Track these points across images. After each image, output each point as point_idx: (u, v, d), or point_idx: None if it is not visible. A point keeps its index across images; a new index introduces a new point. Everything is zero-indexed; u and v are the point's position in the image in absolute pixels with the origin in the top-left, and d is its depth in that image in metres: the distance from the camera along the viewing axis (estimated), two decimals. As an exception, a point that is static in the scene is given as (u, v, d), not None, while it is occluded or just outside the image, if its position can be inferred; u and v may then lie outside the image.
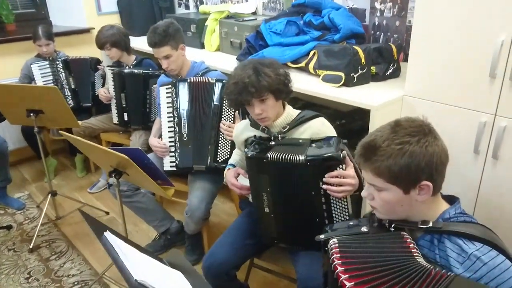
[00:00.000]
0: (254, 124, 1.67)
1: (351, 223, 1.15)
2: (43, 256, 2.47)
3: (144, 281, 0.89)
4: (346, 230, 1.13)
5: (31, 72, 3.11)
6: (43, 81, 3.13)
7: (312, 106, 2.59)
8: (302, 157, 1.43)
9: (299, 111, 1.69)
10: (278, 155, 1.47)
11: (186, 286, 1.14)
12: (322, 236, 1.11)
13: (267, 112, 1.58)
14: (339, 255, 0.99)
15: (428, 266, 0.93)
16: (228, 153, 2.16)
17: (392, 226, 1.11)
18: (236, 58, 2.68)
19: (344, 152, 1.44)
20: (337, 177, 1.41)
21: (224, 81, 2.13)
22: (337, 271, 0.96)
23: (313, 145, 1.49)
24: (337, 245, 1.03)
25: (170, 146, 2.25)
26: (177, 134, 2.22)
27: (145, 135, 2.85)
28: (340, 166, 1.42)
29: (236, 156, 1.88)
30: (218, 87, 2.17)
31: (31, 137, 3.12)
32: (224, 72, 2.45)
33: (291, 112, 1.68)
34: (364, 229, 1.11)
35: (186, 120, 2.20)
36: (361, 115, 2.36)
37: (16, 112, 2.47)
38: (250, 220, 1.74)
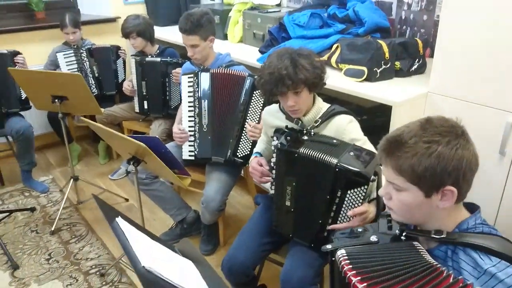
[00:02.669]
0: (288, 116, 1.65)
1: (359, 229, 1.10)
2: (63, 238, 2.54)
3: (152, 268, 0.89)
4: (354, 239, 1.07)
5: (57, 59, 3.18)
6: (68, 69, 3.19)
7: (333, 101, 2.55)
8: (334, 161, 1.40)
9: (329, 104, 1.66)
10: (311, 152, 1.45)
11: (196, 275, 1.15)
12: (329, 246, 1.05)
13: (299, 104, 1.55)
14: (350, 266, 0.94)
15: (443, 267, 0.90)
16: (249, 150, 2.15)
17: (404, 234, 1.05)
18: (259, 50, 2.67)
19: (375, 177, 1.39)
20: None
21: (256, 77, 2.10)
22: (348, 275, 0.93)
23: (351, 153, 1.44)
24: (346, 257, 0.97)
25: (190, 135, 2.26)
26: (197, 124, 2.22)
27: (164, 124, 2.88)
28: (365, 187, 1.39)
29: (262, 144, 1.86)
30: (248, 83, 2.13)
31: (56, 123, 3.19)
32: (246, 64, 2.44)
33: (320, 105, 1.65)
34: (373, 238, 1.05)
35: (207, 111, 2.20)
36: (383, 111, 2.30)
37: (41, 98, 2.53)
38: (266, 217, 1.73)
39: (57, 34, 3.28)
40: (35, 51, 3.23)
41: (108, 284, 2.18)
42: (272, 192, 1.72)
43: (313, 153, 1.45)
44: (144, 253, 0.96)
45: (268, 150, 1.86)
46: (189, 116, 2.28)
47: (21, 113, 3.01)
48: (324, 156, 1.42)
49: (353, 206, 1.43)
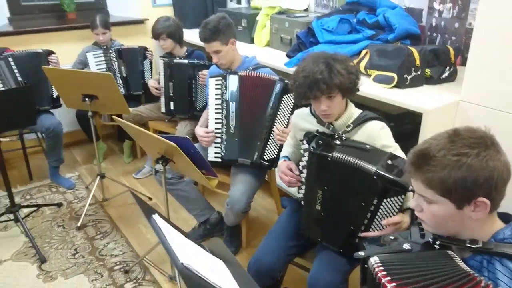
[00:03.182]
0: (319, 120, 1.65)
1: (391, 237, 1.09)
2: (89, 234, 2.59)
3: (190, 265, 0.91)
4: (386, 246, 1.07)
5: (86, 59, 3.25)
6: (97, 69, 3.26)
7: (360, 107, 2.55)
8: (373, 169, 1.39)
9: (361, 110, 1.66)
10: (346, 157, 1.44)
11: (226, 274, 1.16)
12: (361, 253, 1.05)
13: (332, 109, 1.55)
14: (384, 273, 0.94)
15: (480, 277, 0.89)
16: (276, 153, 2.15)
17: (438, 243, 1.04)
18: (286, 54, 2.68)
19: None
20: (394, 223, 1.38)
21: (286, 81, 2.11)
22: (383, 281, 0.92)
23: (389, 161, 1.43)
24: (379, 264, 0.96)
25: (216, 137, 2.28)
26: (224, 126, 2.24)
27: (190, 125, 2.91)
28: (402, 197, 1.38)
29: (289, 148, 1.87)
30: (279, 87, 2.13)
31: (84, 121, 3.26)
32: (273, 68, 2.45)
33: (352, 111, 1.64)
34: (406, 246, 1.04)
35: (234, 113, 2.22)
36: (411, 119, 2.29)
37: (72, 96, 2.59)
38: (294, 220, 1.73)
39: (87, 35, 3.36)
40: (66, 51, 3.31)
41: (132, 281, 2.22)
42: (299, 196, 1.72)
43: (348, 158, 1.44)
44: (181, 250, 0.98)
45: (295, 154, 1.87)
46: (216, 118, 2.30)
47: (51, 110, 3.09)
48: (361, 162, 1.41)
49: (387, 215, 1.42)
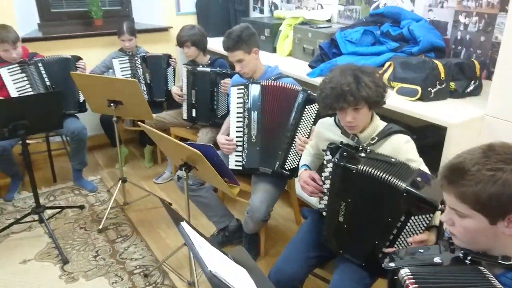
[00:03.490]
0: (344, 131, 1.66)
1: (420, 250, 1.09)
2: (110, 237, 2.64)
3: (217, 273, 0.92)
4: (416, 260, 1.06)
5: (111, 64, 3.33)
6: (122, 75, 3.34)
7: (382, 118, 2.54)
8: (403, 185, 1.38)
9: (386, 123, 1.66)
10: (372, 171, 1.44)
11: (250, 282, 1.17)
12: (392, 264, 1.05)
13: (357, 121, 1.56)
14: (416, 286, 0.94)
15: None
16: (297, 163, 2.16)
17: (469, 258, 1.04)
18: (308, 65, 2.70)
19: (443, 207, 1.36)
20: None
21: (309, 92, 2.12)
22: None
23: (419, 178, 1.42)
24: (410, 276, 0.96)
25: (237, 145, 2.30)
26: (246, 135, 2.26)
27: (211, 132, 2.95)
28: (430, 215, 1.37)
29: (308, 157, 1.87)
30: (301, 97, 2.14)
31: (108, 126, 3.34)
32: (295, 78, 2.47)
33: (378, 123, 1.64)
34: (437, 259, 1.04)
35: (256, 122, 2.24)
36: (433, 132, 2.27)
37: (98, 101, 2.66)
38: (315, 231, 1.73)
39: (113, 41, 3.45)
40: (92, 56, 3.40)
41: (151, 285, 2.24)
42: (320, 206, 1.73)
43: (375, 171, 1.43)
44: (208, 258, 0.99)
45: (314, 163, 1.87)
46: (237, 127, 2.33)
47: (76, 115, 3.17)
48: (390, 178, 1.40)
49: (414, 232, 1.41)
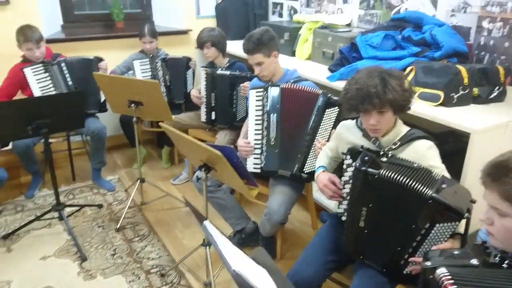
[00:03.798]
0: (365, 134, 1.65)
1: (456, 252, 1.08)
2: (127, 236, 2.66)
3: (241, 272, 0.93)
4: (453, 259, 1.05)
5: (132, 65, 3.38)
6: (142, 76, 3.38)
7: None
8: (429, 192, 1.36)
9: (409, 127, 1.64)
10: (395, 176, 1.42)
11: (270, 283, 1.17)
12: (428, 263, 1.04)
13: (381, 124, 1.54)
14: (455, 286, 0.93)
15: None
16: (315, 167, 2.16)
17: (506, 262, 1.02)
18: (328, 68, 2.69)
19: (469, 215, 1.35)
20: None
21: (329, 95, 2.12)
22: None
23: (444, 185, 1.40)
24: (449, 277, 0.96)
25: (255, 148, 2.31)
26: (265, 138, 2.27)
27: (230, 134, 2.96)
28: (456, 223, 1.35)
29: (325, 158, 1.86)
30: (321, 100, 2.14)
31: (127, 126, 3.39)
32: (314, 81, 2.47)
33: (400, 128, 1.62)
34: (474, 261, 1.03)
35: (275, 125, 2.24)
36: (455, 138, 2.24)
37: (119, 102, 2.70)
38: (333, 235, 1.72)
39: (134, 43, 3.50)
40: (113, 58, 3.44)
41: (168, 284, 2.26)
42: (338, 210, 1.72)
43: (399, 177, 1.41)
44: (231, 257, 1.00)
45: (331, 165, 1.86)
46: (256, 130, 2.33)
47: (97, 114, 3.22)
48: (414, 184, 1.38)
49: (438, 240, 1.39)
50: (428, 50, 2.32)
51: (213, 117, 3.02)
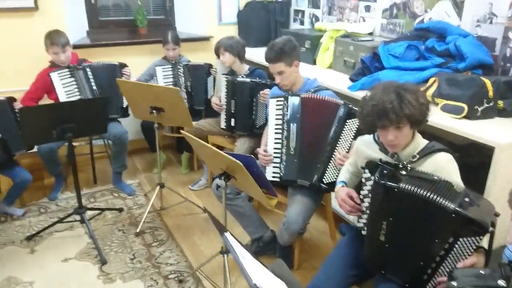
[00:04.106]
0: (383, 148, 1.64)
1: (482, 272, 1.06)
2: (146, 241, 2.70)
3: (262, 286, 0.93)
4: (479, 280, 1.04)
5: (154, 72, 3.43)
6: (164, 82, 3.43)
7: (423, 135, 2.49)
8: (452, 206, 1.34)
9: (427, 141, 1.62)
10: (416, 190, 1.40)
11: (289, 297, 1.17)
12: (454, 284, 1.03)
13: (399, 139, 1.53)
14: None
15: None
16: (335, 177, 2.14)
17: None
18: (349, 78, 2.68)
19: (493, 229, 1.33)
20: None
21: (350, 106, 2.11)
22: None
23: (467, 199, 1.38)
24: None
25: (275, 157, 2.31)
26: (284, 147, 2.27)
27: (249, 142, 2.97)
28: (480, 238, 1.33)
29: (347, 173, 1.86)
30: (342, 111, 2.13)
31: (148, 132, 3.44)
32: (335, 91, 2.46)
33: (419, 141, 1.61)
34: (501, 283, 1.01)
35: (295, 134, 2.24)
36: (478, 151, 2.19)
37: (141, 108, 2.74)
38: (353, 248, 1.71)
39: (157, 49, 3.55)
40: (137, 63, 3.50)
41: (185, 291, 2.28)
42: (359, 225, 1.70)
43: (420, 190, 1.40)
44: (250, 270, 1.00)
45: (352, 180, 1.85)
46: (275, 139, 2.34)
47: (119, 119, 3.27)
48: (437, 197, 1.37)
49: (462, 254, 1.36)
50: (452, 61, 2.29)
51: (232, 123, 3.04)
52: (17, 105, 2.83)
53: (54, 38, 2.90)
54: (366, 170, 1.58)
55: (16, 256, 2.53)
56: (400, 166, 1.54)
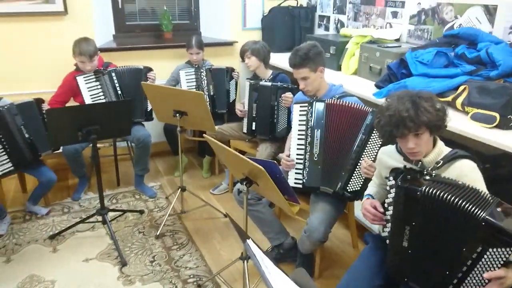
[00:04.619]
0: (407, 158, 1.61)
1: None
2: (166, 244, 2.70)
3: (284, 296, 0.90)
4: None
5: (179, 76, 3.46)
6: (187, 86, 3.45)
7: (450, 144, 2.42)
8: (482, 214, 1.30)
9: (450, 148, 1.60)
10: (441, 194, 1.37)
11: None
12: None
13: (420, 147, 1.52)
14: None
15: None
16: (359, 186, 2.10)
17: None
18: (375, 84, 2.63)
19: None
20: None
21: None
22: None
23: (499, 208, 1.33)
24: None
25: (297, 163, 2.28)
26: (308, 153, 2.23)
27: (271, 147, 2.95)
28: (510, 249, 1.28)
29: (373, 187, 1.84)
30: (370, 119, 2.09)
31: (170, 135, 3.46)
32: (360, 97, 2.42)
33: (442, 148, 1.59)
34: None
35: (319, 141, 2.21)
36: (509, 161, 2.12)
37: (164, 111, 2.76)
38: (377, 257, 1.67)
39: (181, 53, 3.58)
40: (161, 67, 3.53)
41: (204, 296, 2.26)
42: (383, 234, 1.65)
43: (445, 195, 1.36)
44: (273, 279, 0.98)
45: (379, 194, 1.82)
46: (298, 144, 2.31)
47: (143, 123, 3.30)
48: (465, 204, 1.33)
49: (490, 266, 1.31)
50: (483, 69, 2.21)
51: (253, 128, 3.03)
52: (45, 107, 2.89)
53: (82, 48, 2.92)
54: (391, 178, 1.57)
55: (39, 254, 2.57)
56: (424, 172, 1.52)
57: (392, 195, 1.56)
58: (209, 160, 3.65)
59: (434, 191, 1.39)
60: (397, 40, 3.04)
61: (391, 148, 1.73)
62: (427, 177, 1.49)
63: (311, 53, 2.25)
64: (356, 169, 2.11)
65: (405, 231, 1.48)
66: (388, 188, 1.59)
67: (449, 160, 1.54)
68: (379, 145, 2.05)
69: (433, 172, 1.52)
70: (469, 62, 2.29)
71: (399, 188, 1.48)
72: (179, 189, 2.96)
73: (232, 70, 3.53)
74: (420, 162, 1.57)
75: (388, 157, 1.72)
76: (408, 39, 3.01)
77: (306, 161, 2.24)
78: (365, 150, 2.09)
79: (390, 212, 1.59)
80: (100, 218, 2.73)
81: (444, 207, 1.37)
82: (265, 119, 2.99)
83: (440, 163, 1.53)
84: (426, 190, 1.41)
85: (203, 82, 3.46)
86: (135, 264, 2.50)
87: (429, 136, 1.53)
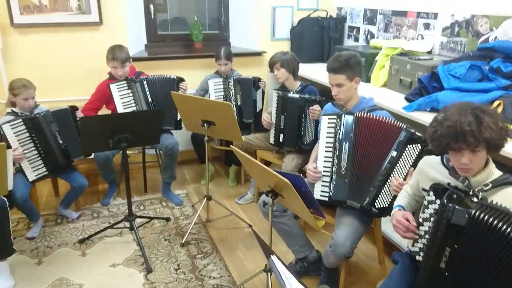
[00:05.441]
0: (453, 173, 1.53)
1: None
2: (191, 252, 2.72)
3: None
4: None
5: (207, 85, 3.50)
6: (215, 96, 3.49)
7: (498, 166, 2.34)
8: None
9: (501, 172, 1.51)
10: (493, 221, 1.30)
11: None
12: None
13: (473, 164, 1.44)
14: None
15: None
16: (388, 203, 2.06)
17: None
18: (405, 98, 2.59)
19: None
20: None
21: (412, 131, 2.01)
22: None
23: None
24: None
25: (324, 175, 2.26)
26: (335, 166, 2.21)
27: (297, 158, 2.94)
28: None
29: (405, 198, 1.78)
30: (404, 135, 2.03)
31: (198, 144, 3.50)
32: (389, 110, 2.37)
33: (493, 170, 1.50)
34: None
35: (347, 154, 2.18)
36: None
37: (193, 121, 2.80)
38: (407, 278, 1.62)
39: (211, 63, 3.62)
40: (190, 76, 3.57)
41: (227, 306, 2.26)
42: (413, 249, 1.61)
43: (497, 223, 1.29)
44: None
45: (411, 205, 1.76)
46: (325, 157, 2.29)
47: (171, 131, 3.36)
48: None
49: None
50: (520, 84, 2.14)
51: (281, 139, 3.02)
52: (79, 114, 2.99)
53: (116, 53, 3.03)
54: (431, 193, 1.50)
55: (69, 257, 2.64)
56: (471, 193, 1.44)
57: (430, 211, 1.50)
58: (235, 170, 3.66)
59: (485, 216, 1.32)
60: (429, 52, 2.98)
61: (435, 159, 1.65)
62: (474, 199, 1.41)
63: (352, 61, 2.23)
64: (386, 186, 2.07)
65: (444, 252, 1.41)
66: (426, 203, 1.53)
67: (499, 184, 1.46)
68: (411, 163, 2.00)
69: (480, 194, 1.44)
70: (505, 76, 2.22)
71: (444, 206, 1.40)
72: (205, 198, 2.99)
73: (259, 80, 3.55)
74: (467, 181, 1.49)
75: (432, 168, 1.64)
76: (440, 52, 2.94)
77: (333, 174, 2.22)
78: (396, 167, 2.05)
79: (425, 228, 1.54)
80: (127, 224, 2.79)
81: (494, 235, 1.30)
82: (292, 131, 2.98)
83: (489, 186, 1.46)
84: (476, 214, 1.33)
85: (230, 92, 3.50)
86: (160, 271, 2.53)
87: (485, 155, 1.45)
